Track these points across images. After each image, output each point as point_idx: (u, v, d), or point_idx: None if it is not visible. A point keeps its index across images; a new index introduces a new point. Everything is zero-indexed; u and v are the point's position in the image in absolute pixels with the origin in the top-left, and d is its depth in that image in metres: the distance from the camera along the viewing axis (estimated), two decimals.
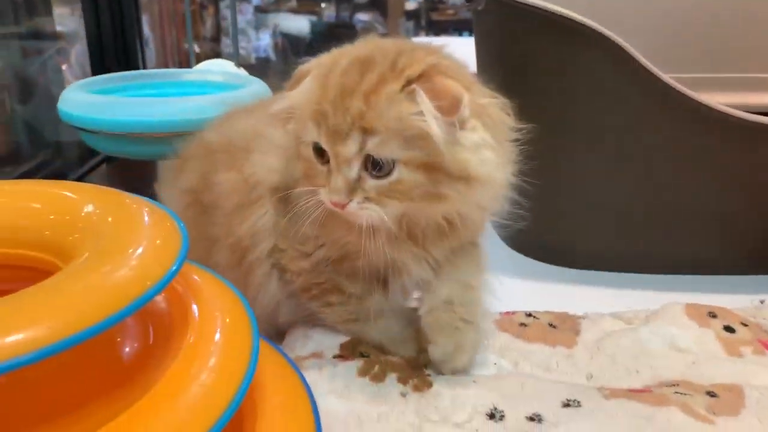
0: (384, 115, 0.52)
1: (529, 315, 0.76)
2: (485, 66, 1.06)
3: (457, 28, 4.78)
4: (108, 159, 1.35)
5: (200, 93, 0.89)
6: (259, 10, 3.88)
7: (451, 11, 4.99)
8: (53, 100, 1.44)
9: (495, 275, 0.91)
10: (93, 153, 1.39)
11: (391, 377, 0.62)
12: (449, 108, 0.51)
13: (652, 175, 0.87)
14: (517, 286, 0.89)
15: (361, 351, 0.67)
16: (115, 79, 0.97)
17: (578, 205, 0.92)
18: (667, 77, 0.80)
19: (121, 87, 0.95)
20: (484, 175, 0.55)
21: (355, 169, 0.54)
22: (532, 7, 0.82)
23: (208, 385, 0.42)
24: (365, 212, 0.55)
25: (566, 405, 0.59)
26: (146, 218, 0.46)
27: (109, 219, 0.45)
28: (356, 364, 0.63)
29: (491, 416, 0.58)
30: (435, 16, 4.88)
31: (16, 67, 1.33)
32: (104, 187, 0.50)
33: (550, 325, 0.74)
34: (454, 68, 0.56)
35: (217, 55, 3.19)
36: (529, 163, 0.94)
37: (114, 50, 1.30)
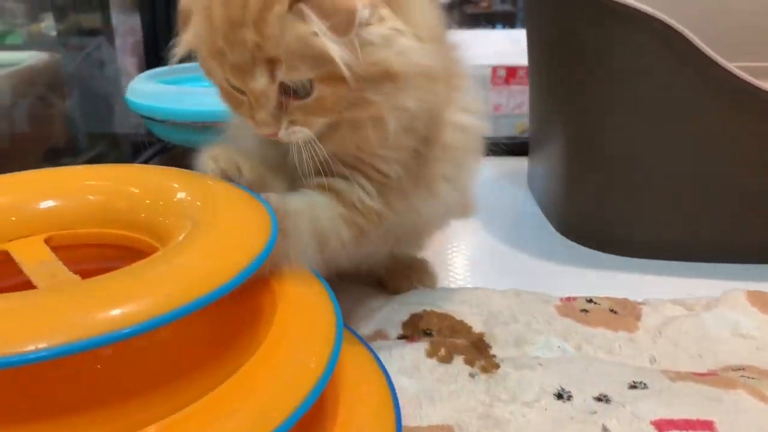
0: (281, 41, 0.48)
1: (590, 301, 0.76)
2: (538, 55, 1.07)
3: (490, 20, 4.75)
4: (161, 151, 1.38)
5: None
6: None
7: (485, 4, 4.97)
8: (107, 93, 1.49)
9: (549, 263, 0.93)
10: (146, 145, 1.43)
11: (458, 359, 0.63)
12: (345, 26, 0.47)
13: (709, 161, 0.87)
14: (572, 273, 0.90)
15: (423, 329, 0.69)
16: (178, 70, 1.00)
17: (633, 194, 0.92)
18: (725, 62, 0.80)
19: (184, 78, 0.98)
20: (405, 65, 0.51)
21: (273, 99, 0.51)
22: None
23: (296, 365, 0.43)
24: (295, 136, 0.53)
25: (633, 387, 0.60)
26: (236, 202, 0.48)
27: (199, 203, 0.47)
28: (423, 345, 0.64)
29: (559, 396, 0.59)
30: (469, 9, 4.86)
31: (73, 61, 1.37)
32: (196, 173, 0.52)
33: (611, 310, 0.75)
34: None
35: None
36: (584, 151, 0.95)
37: (167, 43, 1.34)
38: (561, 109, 0.98)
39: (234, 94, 0.53)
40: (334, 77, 0.49)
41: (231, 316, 0.48)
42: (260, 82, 0.50)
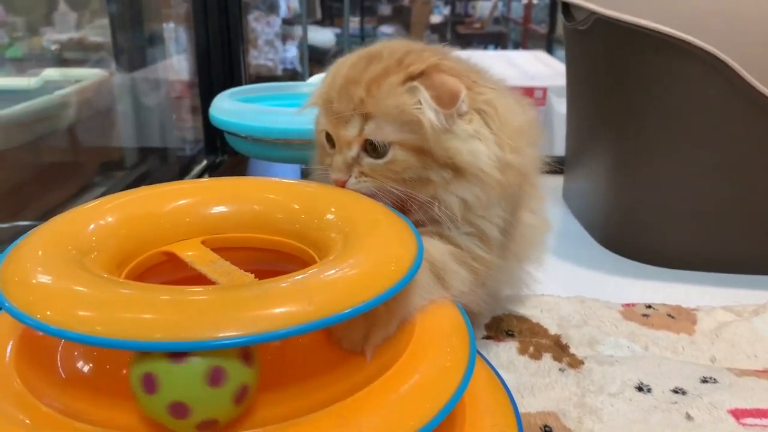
0: (382, 102, 0.56)
1: (649, 306, 0.84)
2: (582, 81, 1.15)
3: (482, 41, 4.85)
4: (210, 167, 1.44)
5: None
6: (285, 22, 3.98)
7: (477, 25, 5.07)
8: (156, 109, 1.55)
9: (596, 273, 1.00)
10: (194, 161, 1.49)
11: (546, 356, 0.70)
12: (447, 101, 0.56)
13: (749, 182, 0.94)
14: (619, 283, 0.96)
15: (505, 330, 0.76)
16: (254, 90, 1.08)
17: (671, 208, 1.00)
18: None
19: (259, 97, 1.05)
20: (470, 164, 0.57)
21: (354, 150, 0.58)
22: (641, 27, 0.90)
23: (439, 369, 0.49)
24: (361, 186, 0.59)
25: (704, 381, 0.67)
26: (383, 218, 0.54)
27: (352, 222, 0.53)
28: (513, 344, 0.71)
29: (639, 389, 0.66)
30: (461, 30, 4.96)
31: (125, 78, 1.43)
32: (353, 193, 0.59)
33: (669, 315, 0.82)
34: (459, 68, 0.60)
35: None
36: (629, 170, 1.03)
37: (221, 62, 1.41)
38: (608, 131, 1.06)
39: (325, 147, 0.62)
40: (411, 146, 0.57)
41: None
42: (350, 130, 0.58)
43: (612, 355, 0.73)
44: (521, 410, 0.61)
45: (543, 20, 4.62)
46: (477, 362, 0.60)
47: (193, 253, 0.55)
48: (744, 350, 0.76)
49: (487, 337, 0.75)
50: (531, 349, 0.71)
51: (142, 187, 0.59)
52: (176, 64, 2.17)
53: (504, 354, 0.70)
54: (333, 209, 0.55)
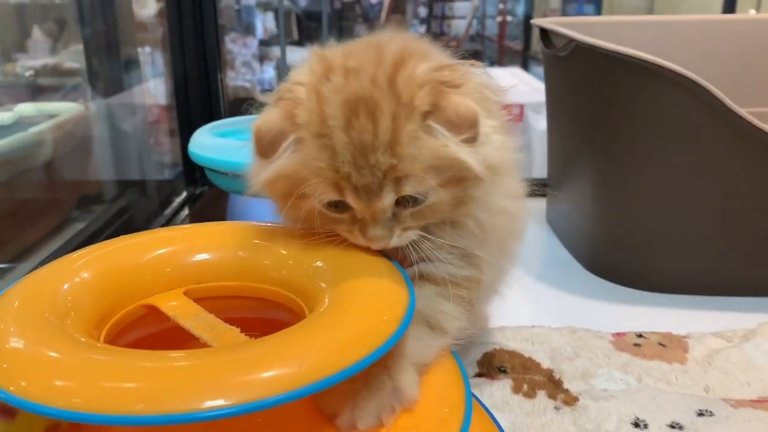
0: (416, 160, 0.49)
1: (640, 335, 0.83)
2: (560, 109, 1.15)
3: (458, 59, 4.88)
4: (190, 199, 1.42)
5: None
6: (263, 43, 3.98)
7: (453, 43, 5.12)
8: (133, 137, 1.53)
9: (582, 299, 0.99)
10: (173, 192, 1.47)
11: (541, 394, 0.69)
12: (468, 130, 0.50)
13: (734, 204, 0.95)
14: (607, 309, 0.96)
15: (497, 366, 0.74)
16: (233, 123, 1.06)
17: (658, 232, 0.99)
18: (750, 117, 0.88)
19: (238, 130, 1.04)
20: (502, 160, 0.55)
21: (389, 213, 0.52)
22: (620, 54, 0.90)
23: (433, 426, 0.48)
24: (405, 239, 0.53)
25: (700, 414, 0.66)
26: (374, 266, 0.52)
27: (342, 269, 0.52)
28: (507, 382, 0.70)
29: (636, 425, 0.65)
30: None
31: (101, 104, 1.41)
32: (341, 246, 0.55)
33: (660, 344, 0.81)
34: (447, 73, 0.53)
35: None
36: (614, 195, 1.03)
37: (198, 85, 1.39)
38: (591, 155, 1.06)
39: (328, 215, 0.53)
40: (454, 179, 0.52)
41: None
42: (387, 199, 0.50)
43: (606, 389, 0.72)
44: None
45: (517, 37, 4.67)
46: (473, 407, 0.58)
47: (175, 305, 0.53)
48: (737, 378, 0.75)
49: (479, 375, 0.73)
50: (525, 387, 0.70)
51: (119, 237, 0.57)
52: (153, 88, 2.15)
53: (498, 393, 0.68)
54: (322, 256, 0.54)
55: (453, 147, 0.50)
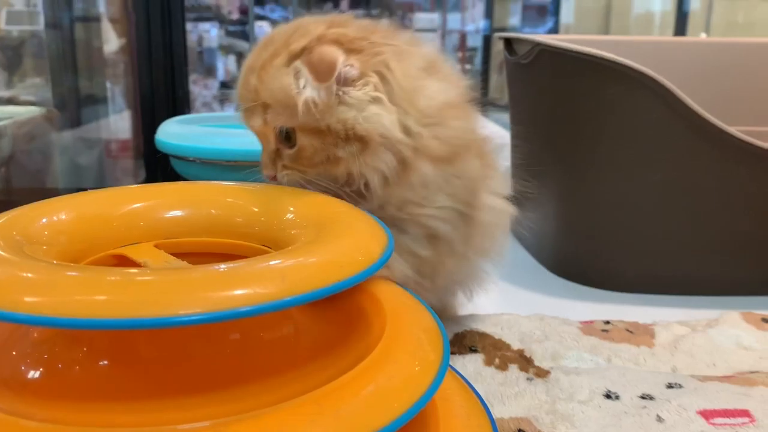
0: (270, 88, 0.55)
1: (607, 322, 0.84)
2: (523, 118, 1.17)
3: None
4: None
5: None
6: (224, 85, 4.00)
7: None
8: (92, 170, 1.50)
9: (548, 297, 1.00)
10: None
11: (513, 367, 0.69)
12: (323, 73, 0.53)
13: (699, 206, 0.97)
14: (570, 306, 0.96)
15: (468, 345, 0.74)
16: (203, 119, 1.06)
17: (622, 233, 1.01)
18: (711, 117, 0.91)
19: (210, 125, 1.03)
20: (370, 131, 0.54)
21: (272, 142, 0.58)
22: (585, 55, 0.94)
23: (412, 367, 0.47)
24: (288, 179, 0.58)
25: (670, 386, 0.67)
26: (346, 211, 0.53)
27: (320, 217, 0.52)
28: (479, 356, 0.69)
29: (608, 396, 0.65)
30: None
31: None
32: (313, 192, 0.57)
33: (627, 330, 0.82)
34: (349, 33, 0.56)
35: None
36: (579, 199, 1.05)
37: (165, 109, 1.39)
38: (556, 161, 1.08)
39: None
40: (309, 128, 0.55)
41: (345, 316, 0.52)
42: (255, 120, 0.57)
43: (577, 366, 0.72)
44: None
45: (476, 85, 4.77)
46: (448, 372, 0.58)
47: (146, 255, 0.52)
48: (703, 360, 0.76)
49: (451, 353, 0.73)
50: (497, 360, 0.69)
51: (101, 189, 0.56)
52: (113, 123, 2.14)
53: (471, 365, 0.68)
54: (292, 208, 0.53)
55: (301, 85, 0.53)
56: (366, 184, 0.57)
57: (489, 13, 4.58)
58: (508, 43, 1.15)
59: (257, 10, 4.19)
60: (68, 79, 1.91)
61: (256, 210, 0.54)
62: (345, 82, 0.54)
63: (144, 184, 0.58)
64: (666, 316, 0.90)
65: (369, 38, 0.57)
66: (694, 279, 1.00)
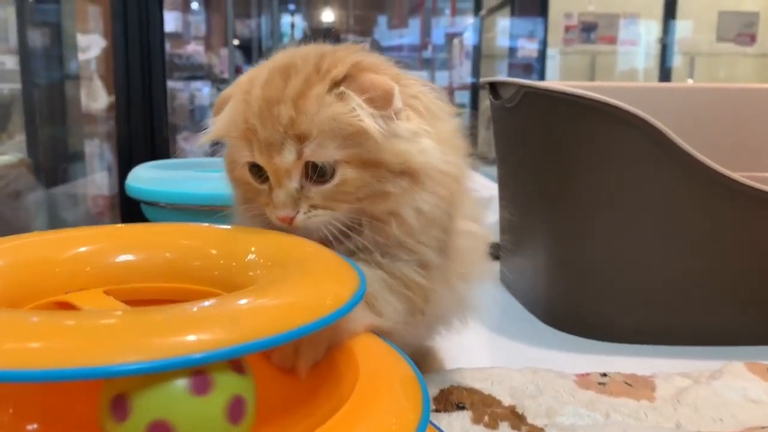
0: (316, 117, 0.50)
1: (604, 375, 0.78)
2: (510, 164, 1.14)
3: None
4: None
5: None
6: (215, 143, 4.00)
7: None
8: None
9: (540, 349, 0.94)
10: None
11: (503, 425, 0.63)
12: (382, 102, 0.50)
13: (693, 251, 0.93)
14: (564, 358, 0.91)
15: (455, 403, 0.68)
16: (177, 165, 1.01)
17: (615, 281, 0.97)
18: (700, 155, 0.88)
19: (182, 170, 0.99)
20: (425, 164, 0.52)
21: (296, 180, 0.51)
22: (572, 96, 0.91)
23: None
24: (314, 221, 0.52)
25: None
26: (314, 252, 0.48)
27: (285, 258, 0.47)
28: (466, 413, 0.64)
29: None
30: None
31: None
32: (276, 232, 0.52)
33: (626, 383, 0.76)
34: (378, 63, 0.55)
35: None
36: (568, 246, 1.00)
37: (143, 149, 1.35)
38: (544, 206, 1.04)
39: (252, 185, 0.54)
40: (360, 160, 0.51)
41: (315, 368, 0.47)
42: (286, 157, 0.51)
43: (573, 423, 0.66)
44: None
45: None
46: (430, 429, 0.52)
47: (93, 302, 0.46)
48: (709, 414, 0.70)
49: (436, 410, 0.67)
50: (486, 418, 0.64)
51: (35, 232, 0.51)
52: (98, 180, 2.12)
53: (457, 424, 0.62)
54: (254, 249, 0.49)
55: (361, 114, 0.50)
56: (396, 220, 0.54)
57: (476, 72, 4.63)
58: (493, 87, 1.13)
59: (247, 69, 4.24)
60: (52, 137, 1.89)
61: (214, 252, 0.49)
62: (395, 112, 0.52)
63: (91, 226, 0.53)
64: (666, 367, 0.84)
65: (393, 70, 0.55)
66: (695, 328, 0.95)
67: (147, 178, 0.87)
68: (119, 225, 0.54)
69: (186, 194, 0.82)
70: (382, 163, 0.51)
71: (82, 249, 0.50)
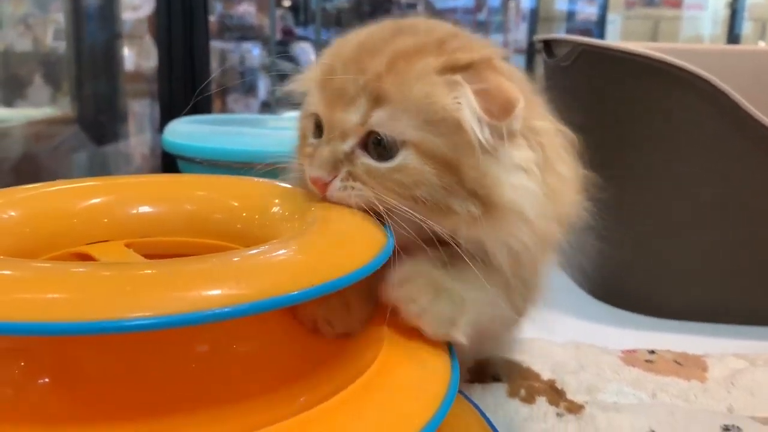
0: (408, 84, 0.42)
1: (652, 352, 0.74)
2: (565, 123, 1.08)
3: None
4: None
5: None
6: (264, 105, 4.01)
7: None
8: None
9: (583, 321, 0.90)
10: None
11: (541, 400, 0.59)
12: (499, 110, 0.41)
13: (748, 222, 0.87)
14: (610, 332, 0.87)
15: (492, 375, 0.65)
16: (216, 120, 1.00)
17: (670, 253, 0.92)
18: None
19: (222, 123, 0.97)
20: (511, 203, 0.43)
21: (350, 143, 0.43)
22: (632, 55, 0.85)
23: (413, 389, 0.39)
24: (350, 193, 0.43)
25: (726, 429, 0.57)
26: (338, 209, 0.45)
27: (306, 210, 0.44)
28: (502, 386, 0.61)
29: None
30: None
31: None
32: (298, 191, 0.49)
33: (675, 362, 0.72)
34: (512, 70, 0.47)
35: None
36: (620, 216, 0.95)
37: (184, 107, 1.34)
38: (597, 172, 0.98)
39: (307, 137, 0.47)
40: (433, 152, 0.42)
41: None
42: (351, 115, 0.43)
43: (616, 401, 0.62)
44: None
45: None
46: (459, 400, 0.50)
47: (114, 256, 0.45)
48: (765, 399, 0.65)
49: (470, 381, 0.64)
50: (522, 392, 0.60)
51: (50, 182, 0.49)
52: (150, 139, 2.14)
53: (491, 396, 0.59)
54: (277, 201, 0.46)
55: (465, 109, 0.41)
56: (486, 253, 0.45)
57: (532, 35, 4.50)
58: (548, 46, 1.07)
59: (300, 32, 4.20)
60: (100, 92, 1.91)
61: (236, 205, 0.47)
62: (507, 132, 0.43)
63: (109, 176, 0.51)
64: (719, 347, 0.79)
65: (527, 90, 0.47)
66: (751, 307, 0.90)
67: (183, 132, 0.85)
68: (135, 176, 0.52)
69: (222, 150, 0.79)
70: (458, 170, 0.42)
71: (97, 200, 0.48)
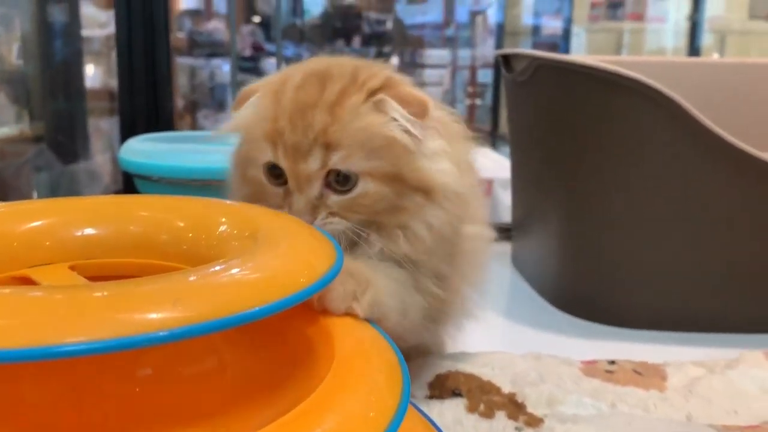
0: (349, 126, 0.50)
1: (612, 362, 0.74)
2: (522, 140, 1.10)
3: None
4: None
5: None
6: None
7: None
8: None
9: (548, 334, 0.91)
10: None
11: (500, 414, 0.59)
12: (418, 110, 0.51)
13: (706, 230, 0.89)
14: (571, 343, 0.88)
15: (452, 389, 0.65)
16: (174, 138, 0.98)
17: (628, 263, 0.93)
18: (721, 131, 0.83)
19: (178, 143, 0.95)
20: (443, 185, 0.53)
21: (317, 187, 0.51)
22: (588, 68, 0.86)
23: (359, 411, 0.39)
24: (329, 228, 0.51)
25: None
26: (289, 225, 0.45)
27: (257, 231, 0.44)
28: (461, 401, 0.60)
29: None
30: None
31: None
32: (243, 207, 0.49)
33: (635, 371, 0.73)
34: (407, 81, 0.56)
35: None
36: (582, 227, 0.96)
37: (146, 126, 1.33)
38: (557, 185, 0.99)
39: (266, 186, 0.53)
40: (383, 174, 0.51)
41: (285, 349, 0.44)
42: (312, 164, 0.50)
43: (576, 413, 0.62)
44: None
45: (486, 120, 4.73)
46: (417, 420, 0.49)
47: (57, 280, 0.44)
48: (722, 406, 0.66)
49: (430, 397, 0.64)
50: (481, 406, 0.60)
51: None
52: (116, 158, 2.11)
53: (449, 413, 0.59)
54: (224, 220, 0.45)
55: (401, 123, 0.51)
56: (405, 233, 0.54)
57: (498, 49, 4.54)
58: (506, 60, 1.08)
59: (268, 47, 4.19)
60: (65, 110, 1.89)
61: (181, 225, 0.46)
62: (424, 128, 0.53)
63: (51, 198, 0.50)
64: (679, 355, 0.80)
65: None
66: (711, 314, 0.91)
67: (139, 150, 0.84)
68: (82, 197, 0.51)
69: (178, 167, 0.78)
70: (403, 178, 0.52)
71: (38, 222, 0.47)
